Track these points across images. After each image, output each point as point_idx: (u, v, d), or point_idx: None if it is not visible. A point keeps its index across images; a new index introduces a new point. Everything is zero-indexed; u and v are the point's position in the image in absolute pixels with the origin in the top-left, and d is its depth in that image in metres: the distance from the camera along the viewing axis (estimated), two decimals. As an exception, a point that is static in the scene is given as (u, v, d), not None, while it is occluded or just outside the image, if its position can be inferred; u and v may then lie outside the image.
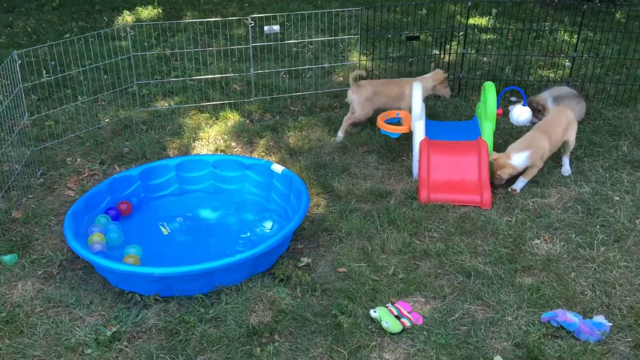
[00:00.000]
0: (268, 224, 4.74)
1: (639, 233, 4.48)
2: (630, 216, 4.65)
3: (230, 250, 4.31)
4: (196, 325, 3.74)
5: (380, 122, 5.56)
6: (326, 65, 7.32)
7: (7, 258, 4.32)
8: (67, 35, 8.33)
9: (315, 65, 7.27)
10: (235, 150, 5.78)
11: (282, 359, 3.53)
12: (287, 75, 7.17)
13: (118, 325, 3.76)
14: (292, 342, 3.64)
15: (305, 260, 4.32)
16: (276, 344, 3.61)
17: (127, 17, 9.32)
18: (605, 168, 5.27)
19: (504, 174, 4.94)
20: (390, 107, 5.89)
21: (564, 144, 5.23)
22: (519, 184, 5.03)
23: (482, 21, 8.83)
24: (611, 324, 3.68)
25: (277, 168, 4.94)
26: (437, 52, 7.32)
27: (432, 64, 7.29)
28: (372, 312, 3.79)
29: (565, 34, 8.10)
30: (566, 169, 5.25)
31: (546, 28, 8.33)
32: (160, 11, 9.53)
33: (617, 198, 4.87)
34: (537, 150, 4.94)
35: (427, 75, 6.05)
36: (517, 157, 4.92)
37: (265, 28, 6.21)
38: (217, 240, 4.56)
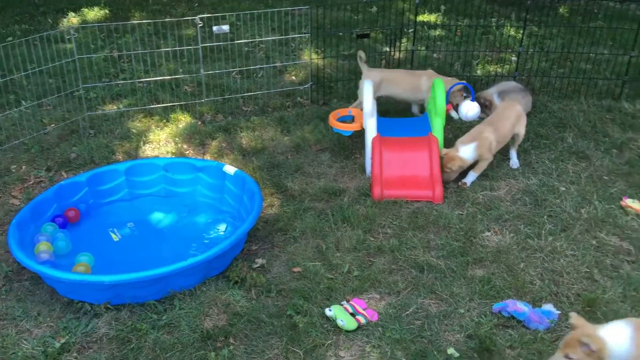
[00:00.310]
0: (222, 226, 4.69)
1: (584, 222, 4.61)
2: (576, 206, 4.79)
3: (183, 254, 4.24)
4: (149, 333, 3.68)
5: (332, 120, 5.57)
6: (278, 64, 7.30)
7: (-52, 272, 4.16)
8: (10, 38, 8.05)
9: (267, 64, 7.23)
10: (187, 152, 5.70)
11: (237, 362, 3.51)
12: (239, 76, 7.12)
13: (67, 336, 3.66)
14: (247, 344, 3.61)
15: (259, 261, 4.29)
16: (231, 347, 3.58)
17: (73, 19, 9.07)
18: (551, 160, 5.42)
19: (454, 167, 5.02)
20: (405, 99, 5.93)
21: (513, 138, 5.34)
22: (470, 178, 5.12)
23: (431, 18, 8.95)
24: (559, 312, 3.78)
25: (230, 169, 4.89)
26: (388, 49, 7.38)
27: (383, 62, 7.35)
28: (327, 311, 3.79)
29: (512, 30, 8.28)
30: (514, 161, 5.37)
31: (493, 24, 8.50)
32: (107, 12, 9.32)
33: (563, 188, 5.01)
34: (483, 142, 5.03)
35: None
36: (465, 150, 5.01)
37: (214, 28, 6.15)
38: (170, 244, 4.49)
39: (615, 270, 4.15)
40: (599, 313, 3.76)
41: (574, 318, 3.09)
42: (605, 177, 5.18)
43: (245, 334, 3.68)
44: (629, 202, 4.78)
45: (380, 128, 5.30)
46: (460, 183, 5.11)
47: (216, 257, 3.93)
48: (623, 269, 4.14)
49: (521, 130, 5.32)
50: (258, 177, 5.17)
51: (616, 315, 3.72)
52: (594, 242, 4.41)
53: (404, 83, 5.94)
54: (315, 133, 5.93)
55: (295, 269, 4.22)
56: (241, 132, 5.98)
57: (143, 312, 3.84)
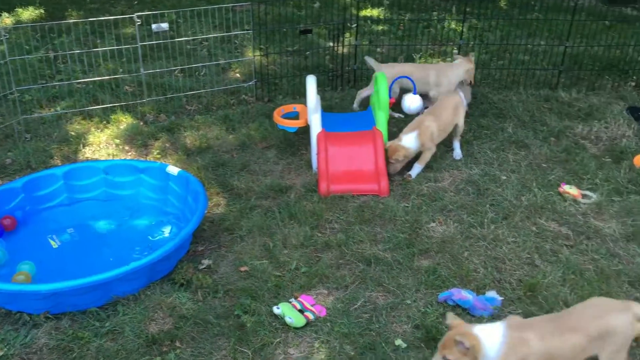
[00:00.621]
0: (166, 229, 4.60)
1: (524, 209, 4.73)
2: (517, 193, 4.91)
3: (126, 259, 4.13)
4: (91, 341, 3.57)
5: (276, 116, 5.54)
6: (221, 61, 7.20)
7: None
8: (-63, 40, 7.68)
9: (210, 62, 7.13)
10: (129, 154, 5.56)
11: (184, 365, 3.45)
12: (182, 74, 6.99)
13: (5, 349, 3.51)
14: (194, 347, 3.55)
15: (206, 262, 4.23)
16: (177, 351, 3.51)
17: (6, 20, 8.73)
18: (492, 149, 5.54)
19: (399, 157, 5.05)
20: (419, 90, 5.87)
21: (454, 128, 5.43)
22: (414, 170, 5.18)
23: (374, 12, 9.01)
24: (502, 298, 3.86)
25: (173, 170, 4.80)
26: (332, 44, 7.38)
27: (327, 57, 7.36)
28: (275, 309, 3.77)
29: (453, 23, 8.42)
30: (457, 152, 5.46)
31: (434, 17, 8.62)
32: (43, 12, 9.01)
33: (504, 177, 5.13)
34: (424, 130, 5.10)
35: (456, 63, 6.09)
36: (407, 139, 5.07)
37: (153, 26, 6.02)
38: (112, 249, 4.37)
39: (554, 255, 4.27)
40: (540, 297, 3.87)
41: (450, 318, 3.07)
42: (543, 165, 5.33)
43: (192, 336, 3.62)
44: (566, 188, 4.93)
45: (324, 123, 5.30)
46: (405, 175, 5.16)
47: (160, 260, 3.85)
48: (562, 254, 4.27)
49: (460, 120, 5.42)
50: (203, 177, 5.09)
51: (556, 299, 3.84)
52: (534, 228, 4.53)
53: (414, 76, 5.91)
54: (261, 130, 5.89)
55: (243, 268, 4.17)
56: (185, 131, 5.88)
57: (85, 319, 3.72)
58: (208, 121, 6.08)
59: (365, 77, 6.86)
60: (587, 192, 4.93)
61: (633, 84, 6.90)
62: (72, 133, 5.79)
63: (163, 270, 4.04)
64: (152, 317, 3.75)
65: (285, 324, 3.69)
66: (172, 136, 5.82)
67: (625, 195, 4.90)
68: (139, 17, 5.76)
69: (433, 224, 4.59)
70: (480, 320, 3.70)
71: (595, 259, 4.23)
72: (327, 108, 6.16)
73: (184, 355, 3.49)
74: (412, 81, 5.72)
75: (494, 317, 3.73)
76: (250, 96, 6.58)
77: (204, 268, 4.18)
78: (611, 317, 3.03)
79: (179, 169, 4.79)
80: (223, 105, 6.44)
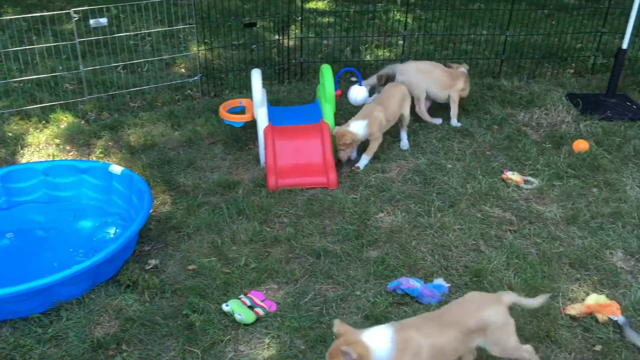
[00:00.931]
0: (111, 230, 4.49)
1: (470, 196, 4.82)
2: (462, 181, 5.00)
3: (69, 262, 4.02)
4: (34, 348, 3.46)
5: (222, 111, 5.47)
6: (165, 57, 7.06)
7: None
8: None
9: (154, 57, 6.98)
10: (71, 154, 5.40)
11: (132, 368, 3.38)
12: (124, 70, 6.82)
13: (-59, 362, 3.37)
14: (141, 349, 3.48)
15: (152, 262, 4.15)
16: (124, 354, 3.44)
17: (-64, 17, 8.32)
18: (438, 139, 5.62)
19: (347, 141, 5.07)
20: (434, 93, 5.80)
21: (401, 118, 5.49)
22: (362, 162, 5.21)
23: (320, 5, 8.99)
24: (449, 285, 3.93)
25: (116, 169, 4.68)
26: (278, 37, 7.33)
27: (275, 50, 7.30)
28: (224, 306, 3.73)
29: (398, 14, 8.48)
30: (404, 142, 5.52)
31: (380, 9, 8.67)
32: (-25, 8, 8.63)
33: (450, 166, 5.21)
34: (374, 120, 5.14)
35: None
36: (355, 125, 5.11)
37: (91, 22, 5.84)
38: (55, 253, 4.24)
39: (499, 240, 4.37)
40: (485, 282, 3.95)
41: (337, 325, 2.96)
42: (487, 153, 5.44)
43: (140, 338, 3.55)
44: (509, 174, 5.05)
45: (271, 117, 5.27)
46: (353, 167, 5.19)
47: (104, 262, 3.75)
48: (506, 239, 4.37)
49: (406, 111, 5.48)
50: (148, 175, 4.99)
51: (501, 283, 3.93)
52: (479, 215, 4.63)
53: (441, 80, 5.84)
54: (207, 126, 5.81)
55: (190, 267, 4.11)
56: (129, 129, 5.75)
57: (26, 326, 3.60)
58: (153, 118, 5.96)
59: (312, 69, 6.85)
60: (529, 178, 5.06)
61: (572, 71, 7.12)
62: (10, 134, 5.57)
63: (108, 272, 3.95)
64: (98, 320, 3.66)
65: (235, 321, 3.66)
66: (116, 134, 5.68)
67: (565, 180, 5.05)
68: (76, 12, 5.58)
69: (381, 215, 4.63)
70: (428, 307, 3.77)
71: (538, 243, 4.35)
72: (274, 102, 6.13)
73: (131, 358, 3.42)
74: (357, 73, 5.73)
75: (441, 304, 3.80)
76: (196, 91, 6.48)
77: (151, 268, 4.11)
78: (485, 311, 3.10)
79: (123, 168, 4.68)
80: (168, 101, 6.32)
